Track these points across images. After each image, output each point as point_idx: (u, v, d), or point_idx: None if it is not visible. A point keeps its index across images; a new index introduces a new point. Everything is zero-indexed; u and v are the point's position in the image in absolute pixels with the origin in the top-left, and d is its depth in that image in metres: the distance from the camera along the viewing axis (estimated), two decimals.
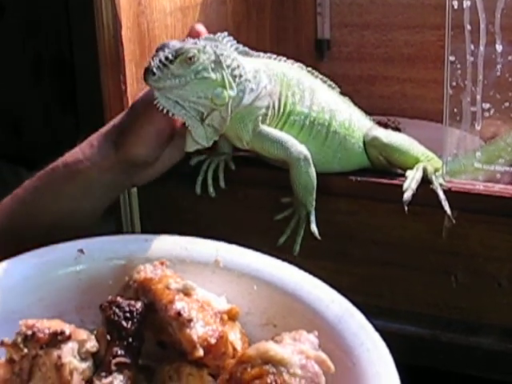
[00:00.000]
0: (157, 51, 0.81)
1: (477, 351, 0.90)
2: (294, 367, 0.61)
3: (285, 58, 0.91)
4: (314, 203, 0.89)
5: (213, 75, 0.82)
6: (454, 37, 0.88)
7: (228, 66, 0.83)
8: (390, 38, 1.42)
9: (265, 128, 0.87)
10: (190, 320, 0.67)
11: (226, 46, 0.85)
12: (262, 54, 0.90)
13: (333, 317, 0.70)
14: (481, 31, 0.88)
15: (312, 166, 0.87)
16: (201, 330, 0.67)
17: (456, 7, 0.87)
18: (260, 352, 0.62)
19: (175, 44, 0.81)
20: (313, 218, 0.89)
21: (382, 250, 0.91)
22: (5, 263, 0.75)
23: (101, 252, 0.78)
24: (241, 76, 0.84)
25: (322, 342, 0.65)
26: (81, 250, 0.78)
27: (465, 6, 0.87)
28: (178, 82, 0.80)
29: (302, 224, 0.89)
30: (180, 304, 0.68)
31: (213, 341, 0.67)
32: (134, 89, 0.98)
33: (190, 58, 0.81)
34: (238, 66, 0.84)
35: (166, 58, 0.80)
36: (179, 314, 0.67)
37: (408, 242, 0.89)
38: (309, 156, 0.87)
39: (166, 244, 0.80)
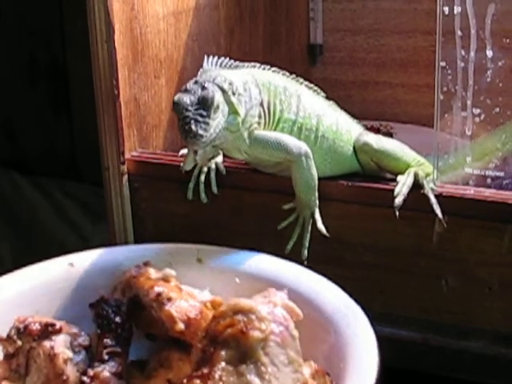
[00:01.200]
0: (180, 113, 0.80)
1: (467, 355, 0.90)
2: (262, 313, 0.66)
3: (269, 67, 0.92)
4: (317, 202, 0.89)
5: (226, 108, 0.83)
6: (444, 42, 0.88)
7: (229, 90, 0.84)
8: (382, 43, 1.42)
9: (260, 132, 0.88)
10: (170, 299, 0.73)
11: (212, 67, 0.86)
12: (246, 63, 0.90)
13: (312, 292, 0.76)
14: (471, 37, 0.88)
15: (313, 161, 0.88)
16: (180, 305, 0.73)
17: (447, 13, 0.88)
18: (230, 306, 0.67)
19: (193, 90, 0.81)
20: (318, 216, 0.89)
21: (372, 254, 0.91)
22: (1, 279, 0.81)
23: (89, 264, 0.85)
24: (234, 93, 0.84)
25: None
26: (71, 264, 0.84)
27: (455, 11, 0.88)
28: (217, 130, 0.81)
29: (307, 226, 0.89)
30: (160, 287, 0.75)
31: (192, 314, 0.73)
32: (127, 93, 0.98)
33: (218, 106, 0.81)
34: (231, 84, 0.85)
35: (202, 116, 0.80)
36: (159, 294, 0.74)
37: (399, 247, 0.90)
38: (309, 151, 0.87)
39: (151, 252, 0.85)
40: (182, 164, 0.89)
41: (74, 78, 1.63)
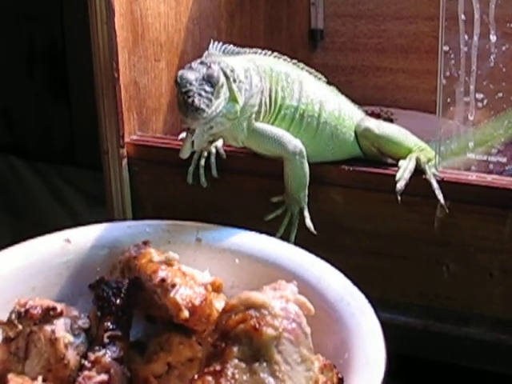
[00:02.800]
0: (184, 86, 0.79)
1: (467, 341, 0.90)
2: (276, 309, 0.64)
3: (270, 52, 0.91)
4: (306, 199, 0.89)
5: (227, 93, 0.82)
6: (448, 27, 0.88)
7: (231, 76, 0.83)
8: (383, 28, 1.42)
9: (259, 125, 0.87)
10: (174, 285, 0.72)
11: (217, 52, 0.85)
12: (247, 49, 0.90)
13: (313, 278, 0.75)
14: (475, 22, 0.88)
15: (306, 160, 0.87)
16: (185, 292, 0.72)
17: None
18: (242, 300, 0.64)
19: (198, 68, 0.80)
20: (306, 213, 0.89)
21: (373, 239, 0.91)
22: None
23: (86, 240, 0.83)
24: (235, 80, 0.84)
25: None
26: (67, 240, 0.82)
27: None
28: (218, 110, 0.80)
29: (294, 221, 0.89)
30: (163, 272, 0.73)
31: (197, 302, 0.71)
32: (127, 76, 0.97)
33: (222, 85, 0.81)
34: (233, 71, 0.84)
35: (205, 91, 0.79)
36: (163, 280, 0.72)
37: (400, 232, 0.89)
38: (304, 150, 0.87)
39: (149, 228, 0.84)
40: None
41: (73, 63, 1.62)
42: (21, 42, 1.65)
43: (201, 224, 0.84)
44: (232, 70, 0.83)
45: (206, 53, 0.86)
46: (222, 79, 0.81)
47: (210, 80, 0.80)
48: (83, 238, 0.83)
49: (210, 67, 0.81)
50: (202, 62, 0.82)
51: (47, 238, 0.82)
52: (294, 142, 0.87)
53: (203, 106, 0.78)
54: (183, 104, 0.79)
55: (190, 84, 0.79)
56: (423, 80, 1.36)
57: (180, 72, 0.81)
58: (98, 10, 0.93)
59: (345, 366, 0.67)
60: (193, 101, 0.78)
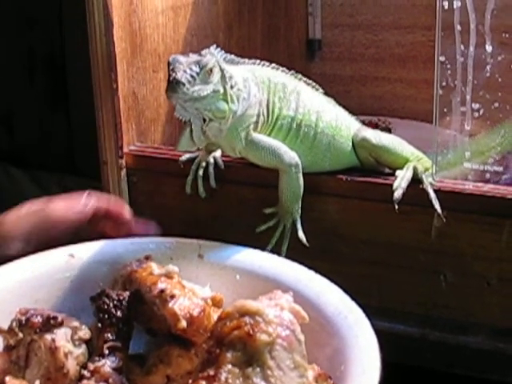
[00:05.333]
0: (173, 64, 0.80)
1: (465, 350, 0.90)
2: (270, 316, 0.64)
3: (268, 63, 0.92)
4: (299, 211, 0.89)
5: (221, 89, 0.83)
6: (444, 37, 0.88)
7: (229, 78, 0.84)
8: (380, 38, 1.42)
9: (256, 136, 0.88)
10: (173, 296, 0.72)
11: (218, 58, 0.86)
12: (246, 60, 0.90)
13: (312, 293, 0.75)
14: (471, 32, 0.88)
15: (301, 173, 0.88)
16: (183, 303, 0.72)
17: (446, 7, 0.88)
18: (237, 307, 0.65)
19: (192, 57, 0.82)
20: (299, 225, 0.89)
21: (371, 249, 0.91)
22: (1, 269, 0.80)
23: (90, 256, 0.84)
24: (232, 86, 0.84)
25: None
26: (71, 255, 0.83)
27: (455, 6, 0.88)
28: (201, 93, 0.80)
29: (287, 233, 0.90)
30: (163, 284, 0.74)
31: (195, 313, 0.72)
32: (125, 87, 0.98)
33: (211, 70, 0.81)
34: (232, 77, 0.84)
35: (191, 70, 0.80)
36: (162, 291, 0.72)
37: (397, 242, 0.90)
38: (299, 163, 0.87)
39: (151, 245, 0.85)
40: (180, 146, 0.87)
41: (72, 72, 1.63)
42: (20, 51, 1.66)
43: (202, 241, 0.85)
44: (231, 77, 0.84)
45: (207, 50, 0.86)
46: (212, 65, 0.81)
47: (198, 62, 0.81)
48: (87, 253, 0.84)
49: (204, 56, 0.82)
50: (199, 54, 0.83)
51: (51, 252, 0.83)
52: (290, 154, 0.87)
53: (184, 80, 0.79)
54: (167, 83, 0.80)
55: (179, 63, 0.80)
56: (421, 89, 1.37)
57: (173, 55, 0.82)
58: (97, 21, 0.94)
59: (341, 378, 0.67)
60: (175, 75, 0.79)
